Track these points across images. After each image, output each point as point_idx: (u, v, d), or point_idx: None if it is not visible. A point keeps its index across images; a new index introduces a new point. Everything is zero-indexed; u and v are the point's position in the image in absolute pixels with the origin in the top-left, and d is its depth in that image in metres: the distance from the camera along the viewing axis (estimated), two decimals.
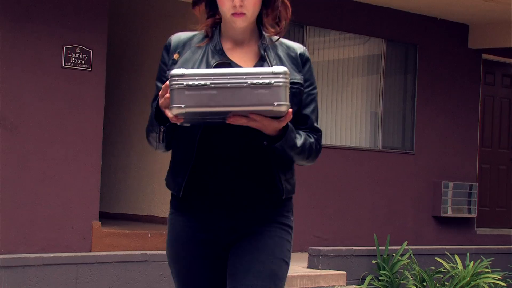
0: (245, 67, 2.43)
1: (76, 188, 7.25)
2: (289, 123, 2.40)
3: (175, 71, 2.24)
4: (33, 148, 7.04)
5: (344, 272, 7.45)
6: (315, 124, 2.59)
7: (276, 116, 2.30)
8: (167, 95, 2.28)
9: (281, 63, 2.52)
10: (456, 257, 8.02)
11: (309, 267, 7.54)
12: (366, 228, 9.06)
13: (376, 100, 9.61)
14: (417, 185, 9.73)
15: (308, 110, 2.57)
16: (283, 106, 2.23)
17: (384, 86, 9.61)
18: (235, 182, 2.50)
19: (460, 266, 7.86)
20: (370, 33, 9.50)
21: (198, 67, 2.49)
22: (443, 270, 7.95)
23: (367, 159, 9.37)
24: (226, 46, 2.53)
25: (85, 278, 6.36)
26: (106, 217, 8.37)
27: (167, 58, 2.56)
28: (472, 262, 7.90)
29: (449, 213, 9.86)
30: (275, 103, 2.22)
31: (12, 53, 6.97)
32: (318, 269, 7.46)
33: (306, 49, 2.61)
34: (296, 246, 8.34)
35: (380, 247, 7.85)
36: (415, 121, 9.82)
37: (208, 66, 2.47)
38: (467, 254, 8.22)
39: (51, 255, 6.42)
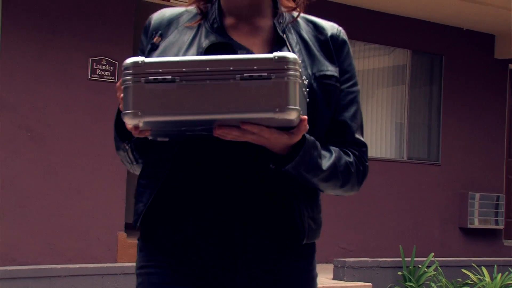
0: (235, 55, 1.60)
1: (101, 199, 7.28)
2: (308, 136, 1.62)
3: (131, 59, 1.52)
4: (59, 159, 7.09)
5: (370, 284, 7.40)
6: (357, 136, 1.79)
7: (286, 127, 1.55)
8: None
9: (307, 49, 1.76)
10: (483, 269, 7.94)
11: (334, 278, 7.51)
12: (392, 239, 9.00)
13: (401, 111, 9.57)
14: (443, 196, 9.66)
15: (346, 115, 1.78)
16: (291, 112, 1.49)
17: (409, 97, 9.57)
18: (228, 219, 1.69)
19: (487, 278, 7.79)
20: (395, 44, 9.47)
21: (186, 53, 1.72)
22: (470, 282, 7.87)
23: (393, 170, 9.33)
24: (228, 23, 1.76)
25: None
26: (132, 228, 8.39)
27: (145, 43, 1.80)
28: (500, 274, 7.82)
29: (476, 224, 9.77)
30: (277, 109, 1.47)
31: (39, 65, 7.04)
32: (344, 280, 7.42)
33: (341, 30, 1.87)
34: (321, 257, 8.31)
35: (406, 259, 7.79)
36: (441, 132, 9.77)
37: (199, 51, 1.71)
38: (494, 266, 8.14)
39: (77, 266, 6.46)
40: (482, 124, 10.06)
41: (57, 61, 7.14)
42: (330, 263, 7.78)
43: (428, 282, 7.78)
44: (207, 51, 1.69)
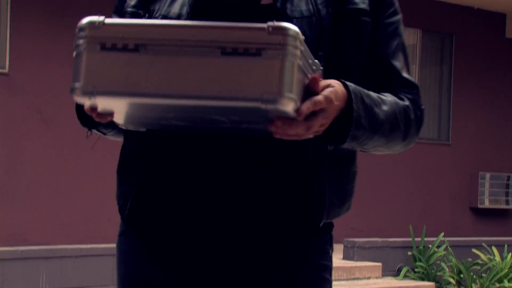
0: (217, 22, 1.17)
1: (112, 180, 7.27)
2: (352, 88, 1.27)
3: (87, 19, 1.24)
4: (70, 141, 7.12)
5: (380, 264, 7.42)
6: (405, 75, 1.45)
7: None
8: None
9: None
10: (494, 248, 7.94)
11: (344, 258, 7.52)
12: (402, 219, 9.01)
13: None
14: (454, 176, 9.64)
15: (388, 52, 1.46)
16: (286, 102, 1.12)
17: (419, 77, 9.54)
18: (233, 197, 1.36)
19: (497, 258, 7.78)
20: (405, 23, 9.34)
21: (170, 6, 1.38)
22: (480, 262, 7.87)
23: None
24: None
25: None
26: None
27: None
28: (510, 253, 7.82)
29: (486, 204, 9.76)
30: (265, 96, 1.10)
31: (49, 47, 7.05)
32: (354, 260, 7.43)
33: None
34: None
35: (416, 239, 7.80)
36: (451, 112, 9.73)
37: (183, 8, 1.37)
38: (504, 245, 8.14)
39: (88, 246, 6.49)
40: (492, 104, 10.02)
41: (67, 43, 7.13)
42: (340, 243, 7.80)
43: (438, 262, 7.79)
44: (195, 7, 1.31)
